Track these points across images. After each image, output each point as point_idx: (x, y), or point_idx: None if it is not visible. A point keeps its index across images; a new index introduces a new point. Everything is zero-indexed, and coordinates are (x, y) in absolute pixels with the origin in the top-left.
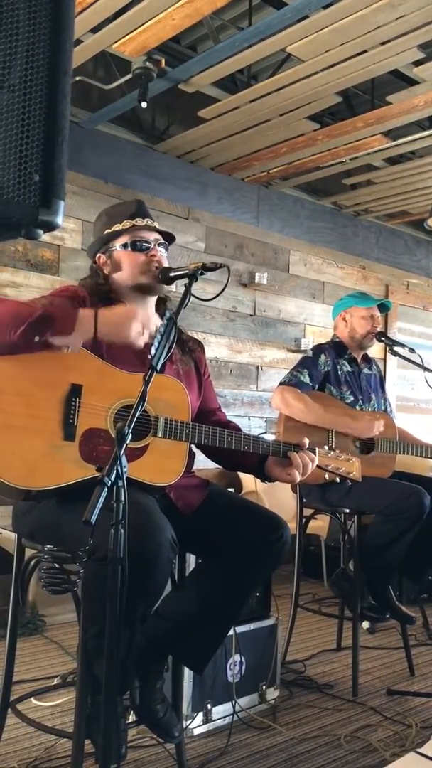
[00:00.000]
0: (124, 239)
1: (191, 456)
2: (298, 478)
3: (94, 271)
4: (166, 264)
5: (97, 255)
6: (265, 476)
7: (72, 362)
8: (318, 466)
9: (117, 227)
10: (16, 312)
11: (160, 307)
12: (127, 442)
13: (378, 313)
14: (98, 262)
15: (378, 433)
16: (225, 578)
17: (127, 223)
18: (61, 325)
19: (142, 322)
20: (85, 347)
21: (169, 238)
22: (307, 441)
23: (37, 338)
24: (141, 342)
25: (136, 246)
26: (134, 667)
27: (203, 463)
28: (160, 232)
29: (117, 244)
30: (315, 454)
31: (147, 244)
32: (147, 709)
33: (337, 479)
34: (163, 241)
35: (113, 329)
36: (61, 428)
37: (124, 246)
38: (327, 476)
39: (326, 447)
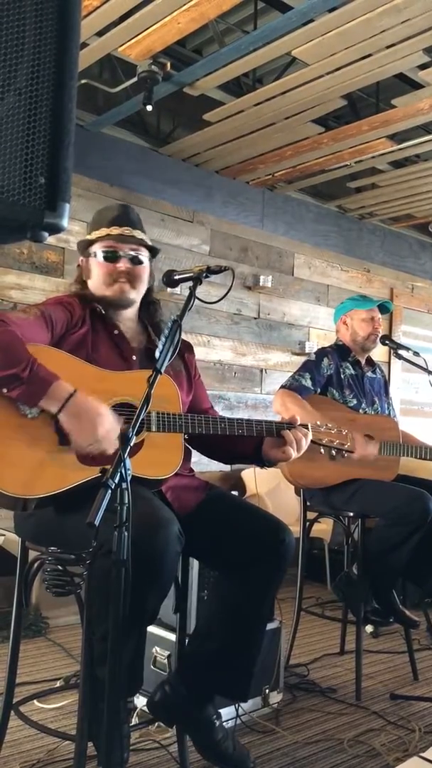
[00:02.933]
0: (97, 247)
1: (186, 449)
2: (293, 454)
3: (78, 274)
4: (144, 275)
5: (81, 258)
6: (263, 461)
7: (58, 368)
8: (312, 441)
9: (94, 234)
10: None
11: (149, 308)
12: (131, 443)
13: (378, 315)
14: (81, 264)
15: (368, 454)
16: (237, 602)
17: (102, 231)
18: (29, 393)
19: (105, 433)
20: (70, 352)
21: (149, 247)
22: (298, 418)
23: (4, 390)
24: (88, 449)
25: (104, 255)
26: (141, 669)
27: (206, 466)
28: (142, 243)
29: (92, 251)
30: (308, 430)
31: (114, 255)
32: (215, 751)
33: (333, 452)
34: (139, 250)
35: (75, 420)
36: (56, 434)
37: (96, 254)
38: (322, 450)
39: (318, 422)
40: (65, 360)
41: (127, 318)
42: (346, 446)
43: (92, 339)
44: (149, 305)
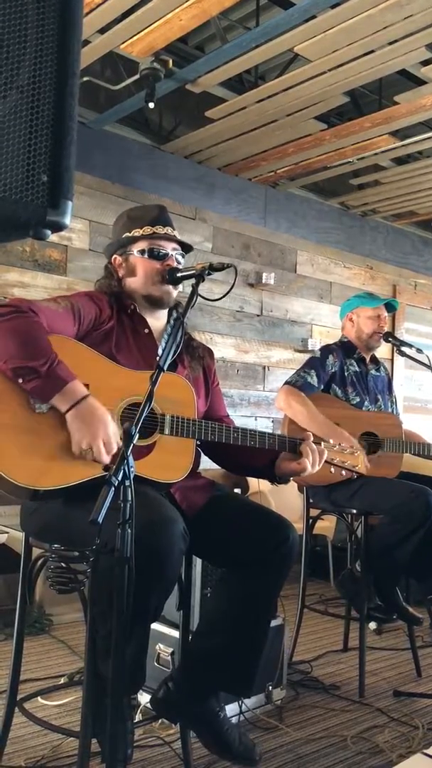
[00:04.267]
0: (142, 245)
1: (197, 454)
2: (309, 467)
3: (108, 272)
4: None
5: (113, 256)
6: (275, 476)
7: (78, 362)
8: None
9: (137, 232)
10: (22, 342)
11: (171, 312)
12: (134, 441)
13: (385, 313)
14: (113, 263)
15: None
16: (241, 599)
17: (147, 229)
18: (44, 388)
19: (103, 443)
20: (92, 346)
21: (186, 248)
22: (311, 435)
23: (20, 381)
24: (83, 453)
25: (152, 253)
26: (144, 666)
27: (209, 464)
28: (179, 243)
29: (134, 249)
30: (324, 448)
31: (164, 253)
32: (220, 743)
33: (343, 473)
34: (181, 251)
35: (80, 422)
36: (65, 432)
37: (141, 252)
38: (332, 470)
39: (331, 441)
40: (86, 354)
41: (160, 318)
42: (357, 468)
43: (117, 336)
44: (177, 306)
